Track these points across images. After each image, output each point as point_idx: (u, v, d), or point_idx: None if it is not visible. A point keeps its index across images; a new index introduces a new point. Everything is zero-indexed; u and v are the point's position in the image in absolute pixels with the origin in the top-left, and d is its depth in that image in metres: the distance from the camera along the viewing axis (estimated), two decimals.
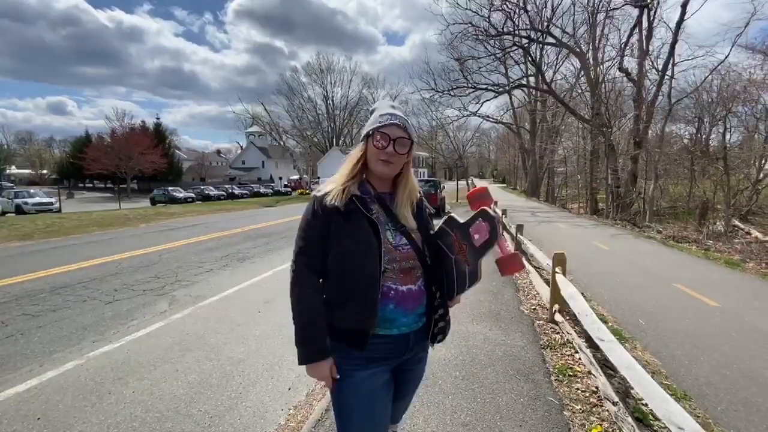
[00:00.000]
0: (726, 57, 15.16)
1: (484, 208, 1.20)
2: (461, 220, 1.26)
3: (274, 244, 8.83)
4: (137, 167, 35.45)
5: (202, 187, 36.20)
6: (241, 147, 65.39)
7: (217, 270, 6.39)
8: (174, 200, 27.53)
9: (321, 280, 1.26)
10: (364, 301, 1.17)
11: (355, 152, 1.26)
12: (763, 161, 14.68)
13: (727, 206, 12.47)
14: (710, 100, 17.38)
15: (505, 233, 12.19)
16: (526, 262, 5.39)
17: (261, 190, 38.69)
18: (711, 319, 4.38)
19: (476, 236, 1.19)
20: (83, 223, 13.44)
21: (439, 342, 1.34)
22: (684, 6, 14.98)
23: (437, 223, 1.38)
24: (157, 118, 48.69)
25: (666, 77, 16.12)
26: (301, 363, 1.20)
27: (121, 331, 3.83)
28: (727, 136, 16.95)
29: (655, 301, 4.97)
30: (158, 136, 43.46)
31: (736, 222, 12.44)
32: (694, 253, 8.78)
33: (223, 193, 34.38)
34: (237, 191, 36.28)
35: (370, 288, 1.16)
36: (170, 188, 30.50)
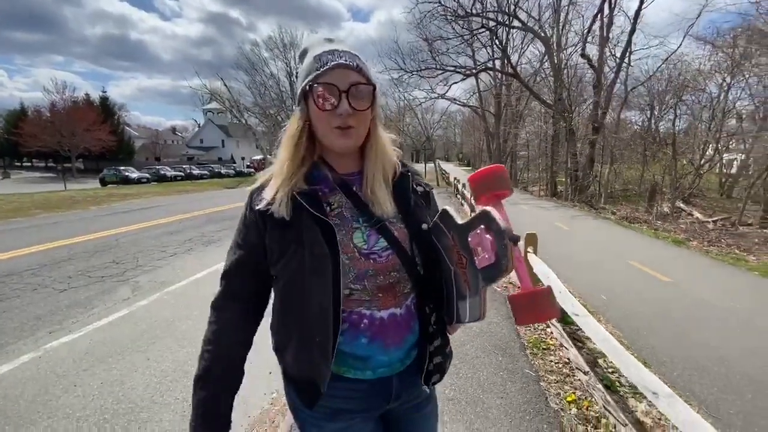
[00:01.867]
0: (678, 47, 16.13)
1: (486, 209, 0.71)
2: (458, 219, 0.81)
3: None
4: (82, 145, 32.81)
5: (157, 167, 34.13)
6: (199, 125, 61.93)
7: (182, 254, 6.09)
8: (127, 181, 25.82)
9: (254, 308, 0.91)
10: (308, 343, 0.80)
11: (292, 126, 0.85)
12: (705, 147, 15.91)
13: (673, 189, 13.46)
14: (661, 89, 18.45)
15: (463, 202, 11.74)
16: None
17: (222, 171, 37.13)
18: (664, 293, 4.75)
19: (478, 251, 0.73)
20: (24, 205, 12.33)
21: (434, 384, 0.94)
22: None
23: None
24: (103, 91, 45.13)
25: (623, 65, 16.87)
26: None
27: (81, 320, 3.58)
28: (677, 124, 18.16)
29: (614, 278, 5.31)
30: (105, 111, 40.27)
31: (680, 204, 13.48)
32: (645, 233, 9.45)
33: (181, 173, 32.62)
34: (196, 171, 34.57)
35: (319, 326, 0.79)
36: (122, 168, 28.50)
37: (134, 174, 27.49)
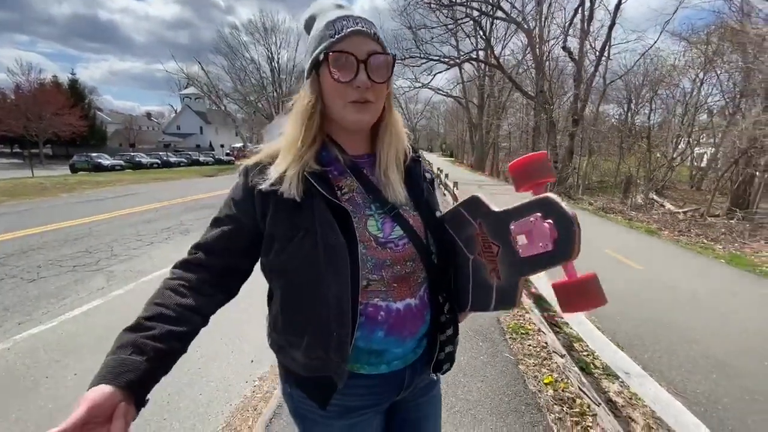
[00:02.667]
0: (654, 42, 16.55)
1: (549, 195, 0.68)
2: (495, 207, 0.77)
3: None
4: (51, 129, 31.21)
5: (132, 153, 32.86)
6: (176, 111, 59.94)
7: (159, 243, 5.93)
8: (99, 168, 24.77)
9: (220, 290, 0.78)
10: (323, 339, 0.73)
11: (302, 101, 0.76)
12: (678, 141, 16.48)
13: (647, 181, 13.92)
14: (637, 83, 18.92)
15: (446, 192, 12.00)
16: None
17: (200, 159, 36.06)
18: (637, 280, 4.94)
19: (523, 239, 0.70)
20: None
21: (445, 372, 0.91)
22: None
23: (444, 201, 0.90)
24: (72, 74, 42.87)
25: (603, 59, 17.17)
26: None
27: (51, 311, 3.45)
28: (652, 117, 18.72)
29: (590, 266, 5.39)
30: (75, 94, 38.32)
31: (653, 195, 13.96)
32: (620, 223, 9.76)
33: (157, 160, 31.55)
34: (173, 159, 33.47)
35: (337, 319, 0.72)
36: (93, 154, 27.28)
37: (107, 161, 26.41)
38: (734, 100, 15.08)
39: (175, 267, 0.78)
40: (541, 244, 0.67)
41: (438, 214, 0.87)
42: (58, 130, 31.47)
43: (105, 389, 0.57)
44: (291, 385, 0.85)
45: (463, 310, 0.88)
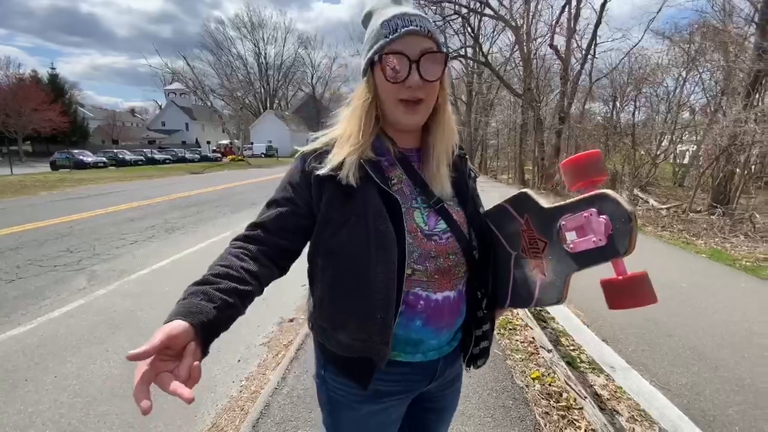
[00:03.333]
0: (639, 41, 16.77)
1: (607, 192, 0.67)
2: (543, 203, 0.78)
3: (206, 214, 8.22)
4: (30, 126, 30.35)
5: (115, 150, 32.06)
6: (160, 106, 58.85)
7: (143, 242, 5.81)
8: (81, 165, 24.17)
9: (277, 264, 0.81)
10: (370, 323, 0.76)
11: (361, 98, 0.80)
12: (661, 138, 16.80)
13: (632, 178, 14.17)
14: (622, 81, 19.20)
15: None
16: None
17: (186, 156, 35.48)
18: None
19: (573, 235, 0.70)
20: None
21: (479, 367, 0.94)
22: None
23: (487, 198, 0.93)
24: (52, 68, 41.66)
25: (589, 57, 17.38)
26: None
27: (30, 312, 3.35)
28: (636, 115, 19.02)
29: None
30: (55, 89, 37.34)
31: (638, 192, 14.22)
32: None
33: (142, 157, 30.92)
34: (158, 156, 32.88)
35: (382, 304, 0.75)
36: (75, 151, 26.60)
37: (89, 158, 25.79)
38: (716, 99, 15.43)
39: (235, 239, 0.81)
40: (594, 239, 0.67)
41: (481, 210, 0.90)
42: (38, 126, 30.63)
43: (182, 323, 0.59)
44: (327, 369, 0.88)
45: (502, 307, 0.90)
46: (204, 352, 0.63)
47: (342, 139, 0.80)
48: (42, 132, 31.37)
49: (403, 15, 0.75)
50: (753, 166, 10.18)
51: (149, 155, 32.13)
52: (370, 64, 0.78)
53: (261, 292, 0.77)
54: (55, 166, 24.19)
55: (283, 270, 0.84)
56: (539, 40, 19.84)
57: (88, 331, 3.03)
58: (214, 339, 0.65)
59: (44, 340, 2.89)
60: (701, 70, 15.57)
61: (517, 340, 3.00)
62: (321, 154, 0.80)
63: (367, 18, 0.82)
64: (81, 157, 25.15)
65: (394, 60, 0.73)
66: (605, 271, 0.71)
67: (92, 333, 3.00)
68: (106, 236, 6.09)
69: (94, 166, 24.99)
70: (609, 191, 0.68)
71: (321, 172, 0.77)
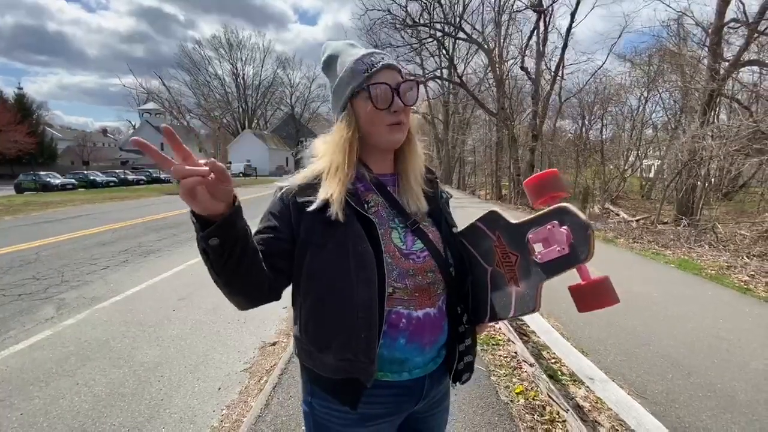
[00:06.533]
0: (603, 63, 17.79)
1: (565, 205, 0.75)
2: (512, 219, 0.85)
3: (183, 236, 8.00)
4: None
5: (85, 171, 31.04)
6: (134, 126, 57.48)
7: (116, 267, 5.60)
8: (48, 187, 23.20)
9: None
10: (354, 342, 0.79)
11: (344, 132, 0.85)
12: (628, 154, 17.66)
13: (602, 192, 14.76)
14: (590, 100, 20.22)
15: None
16: None
17: (161, 176, 34.65)
18: None
19: (540, 247, 0.77)
20: None
21: (464, 382, 0.97)
22: (573, 15, 17.03)
23: (459, 219, 0.99)
24: (19, 88, 40.33)
25: (558, 78, 18.25)
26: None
27: None
28: (604, 132, 19.97)
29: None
30: (22, 109, 36.09)
31: (609, 205, 14.79)
32: None
33: (114, 179, 29.99)
34: (131, 177, 31.98)
35: (365, 323, 0.78)
36: (42, 173, 25.56)
37: (57, 180, 24.83)
38: (675, 116, 16.41)
39: None
40: (558, 249, 0.74)
41: (455, 230, 0.96)
42: (2, 147, 29.37)
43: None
44: (314, 395, 0.89)
45: (482, 321, 0.94)
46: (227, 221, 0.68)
47: (330, 172, 0.85)
48: (7, 154, 30.10)
49: (372, 53, 0.85)
50: (713, 179, 10.80)
51: (122, 176, 31.22)
52: (350, 98, 0.84)
53: (263, 279, 0.78)
54: (20, 189, 23.11)
55: (274, 291, 0.84)
56: (511, 61, 20.73)
57: (56, 363, 2.88)
58: (231, 231, 0.69)
59: (8, 375, 2.72)
60: (661, 90, 16.60)
61: (500, 356, 3.03)
62: (306, 188, 0.85)
63: (332, 60, 0.89)
64: (48, 179, 24.17)
65: (379, 90, 0.81)
66: (576, 280, 0.77)
67: (61, 366, 2.85)
68: (76, 262, 5.84)
69: (63, 188, 24.05)
70: (567, 204, 0.75)
71: (311, 208, 0.81)
